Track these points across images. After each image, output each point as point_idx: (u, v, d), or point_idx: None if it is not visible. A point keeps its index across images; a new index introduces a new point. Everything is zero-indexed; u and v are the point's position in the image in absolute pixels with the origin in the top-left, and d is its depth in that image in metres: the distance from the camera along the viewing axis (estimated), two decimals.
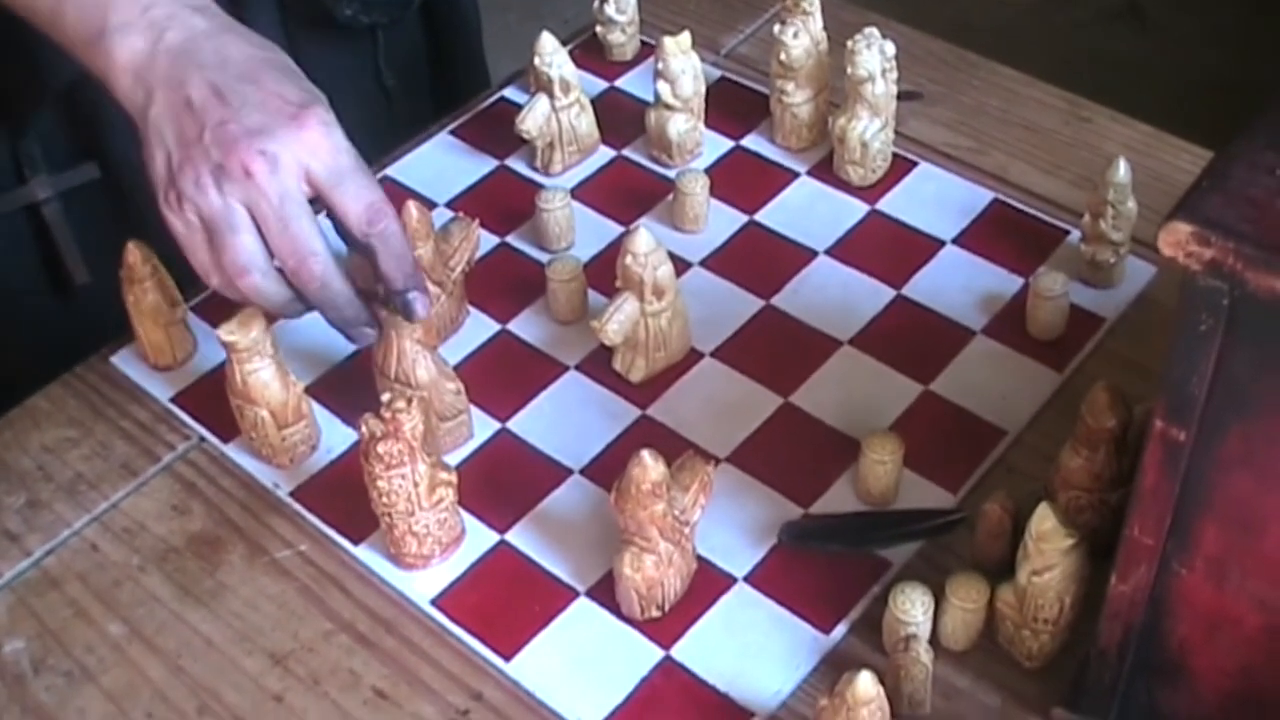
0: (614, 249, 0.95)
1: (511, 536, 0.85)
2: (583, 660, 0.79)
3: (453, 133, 1.12)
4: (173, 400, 0.93)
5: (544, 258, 1.00)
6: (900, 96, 1.03)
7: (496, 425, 0.91)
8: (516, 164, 1.09)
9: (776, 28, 1.03)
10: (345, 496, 0.85)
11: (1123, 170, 0.92)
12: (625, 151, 1.09)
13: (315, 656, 0.80)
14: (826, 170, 1.06)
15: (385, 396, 0.78)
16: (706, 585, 0.81)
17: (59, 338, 0.98)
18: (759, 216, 1.03)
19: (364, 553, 0.84)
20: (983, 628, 0.77)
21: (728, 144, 1.09)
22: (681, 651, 0.79)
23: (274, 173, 0.77)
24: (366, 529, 0.84)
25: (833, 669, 0.76)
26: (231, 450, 0.90)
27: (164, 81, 0.78)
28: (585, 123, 1.07)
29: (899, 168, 1.05)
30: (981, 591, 0.76)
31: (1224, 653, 0.67)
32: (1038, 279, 0.92)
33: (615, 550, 0.78)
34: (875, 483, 0.83)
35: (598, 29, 1.16)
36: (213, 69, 0.78)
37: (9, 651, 0.81)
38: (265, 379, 0.85)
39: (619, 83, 1.15)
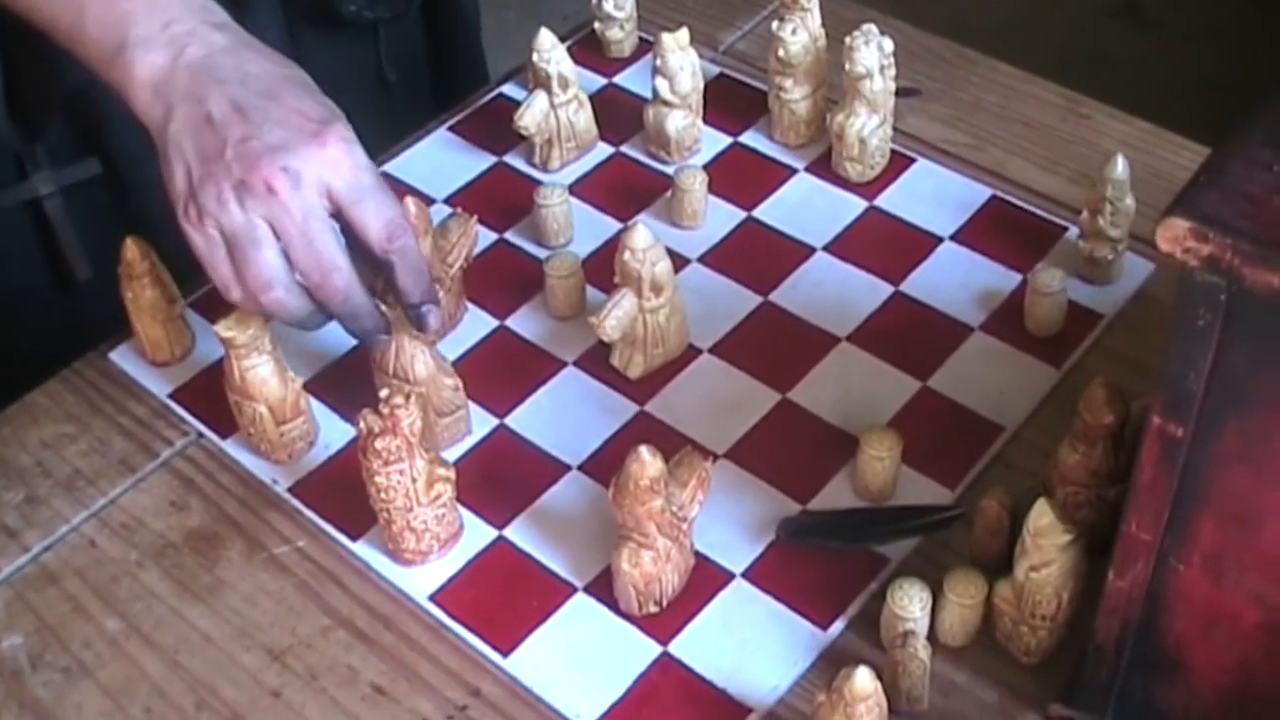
0: (612, 245, 0.95)
1: (509, 532, 0.85)
2: (581, 656, 0.79)
3: (451, 129, 1.12)
4: (171, 396, 0.93)
5: (542, 254, 1.00)
6: (898, 93, 1.03)
7: (494, 421, 0.91)
8: (515, 160, 1.09)
9: (775, 24, 1.03)
10: (343, 492, 0.85)
11: (1121, 167, 0.92)
12: (623, 148, 1.09)
13: (313, 652, 0.80)
14: (824, 166, 1.06)
15: (383, 392, 0.78)
16: (704, 581, 0.81)
17: (61, 333, 0.98)
18: (757, 213, 1.03)
19: (362, 548, 0.84)
20: (980, 624, 0.77)
21: (726, 140, 1.09)
22: (679, 647, 0.79)
23: (296, 189, 0.77)
24: (365, 525, 0.85)
25: (830, 665, 0.76)
26: (230, 446, 0.90)
27: (184, 97, 0.79)
28: (583, 119, 1.07)
29: (897, 164, 1.05)
30: (979, 587, 0.76)
31: (1221, 648, 0.67)
32: (1036, 275, 0.92)
33: (613, 546, 0.78)
34: (873, 479, 0.83)
35: (596, 25, 1.16)
36: (233, 85, 0.79)
37: (7, 647, 0.81)
38: (263, 375, 0.85)
39: (617, 79, 1.15)
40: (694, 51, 1.04)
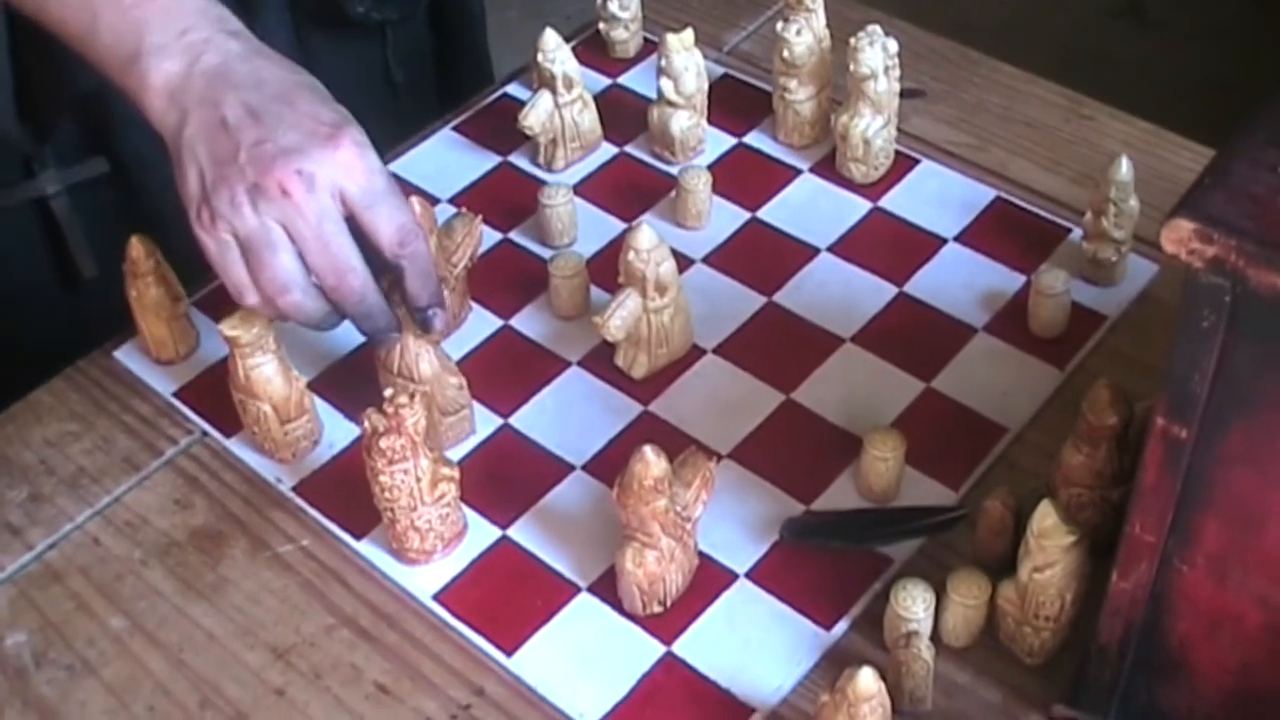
0: (616, 245, 0.95)
1: (513, 532, 0.85)
2: (584, 656, 0.79)
3: (456, 129, 1.12)
4: (175, 395, 0.93)
5: (546, 254, 1.00)
6: (903, 94, 1.03)
7: (499, 421, 0.91)
8: (519, 160, 1.09)
9: (779, 25, 1.03)
10: (347, 491, 0.86)
11: (1125, 168, 0.92)
12: (628, 148, 1.09)
13: (317, 651, 0.80)
14: (829, 167, 1.06)
15: (388, 392, 0.78)
16: (708, 581, 0.81)
17: (66, 331, 0.98)
18: (761, 213, 1.03)
19: (366, 548, 0.84)
20: (984, 624, 0.77)
21: (730, 141, 1.09)
22: (683, 647, 0.79)
23: (310, 192, 0.77)
24: (369, 524, 0.85)
25: (834, 665, 0.77)
26: (234, 445, 0.90)
27: (199, 102, 0.79)
28: (588, 119, 1.07)
29: (901, 165, 1.05)
30: (983, 588, 0.76)
31: (1224, 650, 0.67)
32: (1039, 276, 0.92)
33: (617, 546, 0.79)
34: (877, 479, 0.83)
35: (601, 25, 1.17)
36: (247, 90, 0.79)
37: (11, 645, 0.81)
38: (268, 374, 0.85)
39: (622, 79, 1.15)
40: (699, 52, 1.04)
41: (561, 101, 1.05)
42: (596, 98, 1.08)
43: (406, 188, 1.03)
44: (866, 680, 0.67)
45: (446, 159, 1.09)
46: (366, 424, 0.78)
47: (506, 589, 0.82)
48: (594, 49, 1.17)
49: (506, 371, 0.93)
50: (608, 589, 0.81)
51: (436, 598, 0.82)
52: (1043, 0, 2.78)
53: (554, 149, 1.07)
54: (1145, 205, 0.94)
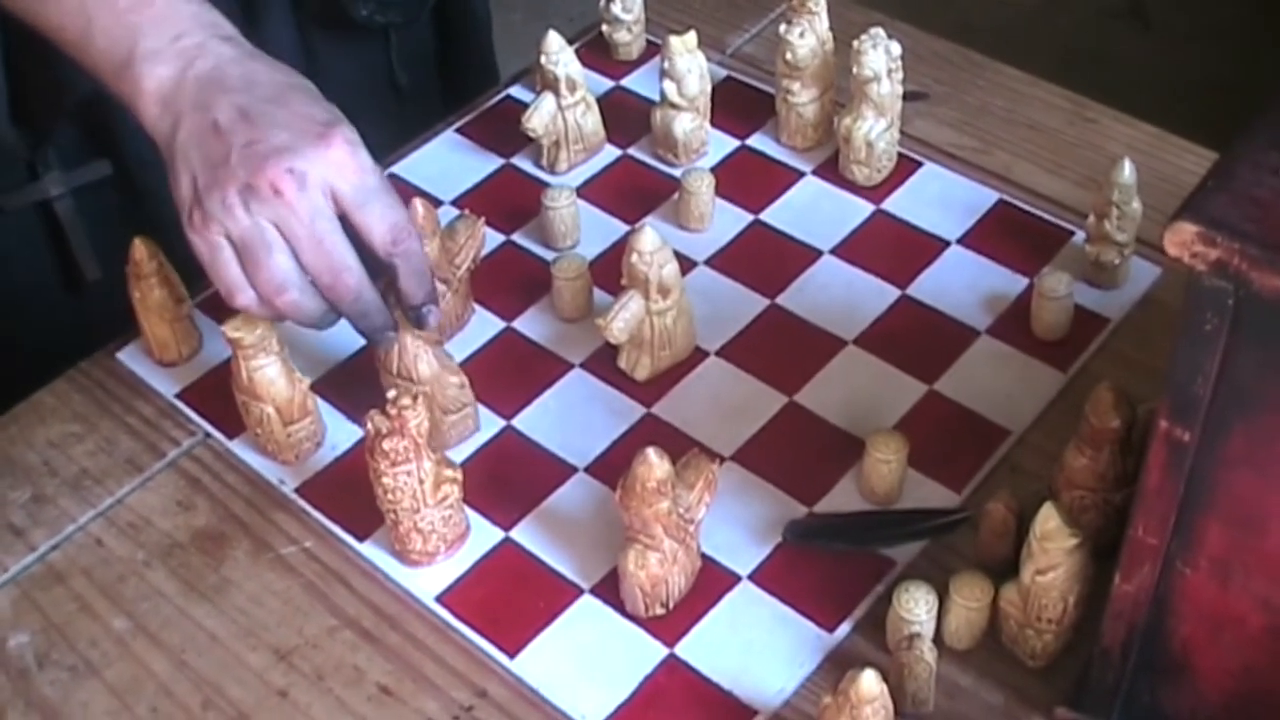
0: (619, 247, 0.95)
1: (516, 534, 0.85)
2: (587, 658, 0.79)
3: (459, 131, 1.12)
4: (178, 396, 0.94)
5: (549, 256, 1.00)
6: (906, 96, 1.03)
7: (501, 423, 0.91)
8: (522, 162, 1.09)
9: (782, 27, 1.03)
10: (350, 493, 0.86)
11: (1128, 171, 0.92)
12: (631, 150, 1.09)
13: (320, 652, 0.80)
14: (831, 170, 1.06)
15: (391, 393, 0.78)
16: (711, 583, 0.81)
17: (69, 333, 0.98)
18: (764, 216, 1.03)
19: (369, 549, 0.84)
20: (986, 627, 0.77)
21: (733, 143, 1.09)
22: (685, 649, 0.79)
23: (303, 190, 0.77)
24: (371, 525, 0.85)
25: (836, 667, 0.77)
26: (237, 446, 0.90)
27: (192, 107, 0.79)
28: (591, 121, 1.07)
29: (904, 168, 1.05)
30: (985, 591, 0.76)
31: (1227, 652, 0.67)
32: (1042, 279, 0.92)
33: (620, 548, 0.79)
34: (879, 482, 0.84)
35: (604, 28, 1.17)
36: (240, 93, 0.79)
37: (14, 646, 0.81)
38: (271, 375, 0.85)
39: (625, 81, 1.15)
40: (701, 54, 1.04)
41: (564, 104, 1.05)
42: (599, 100, 1.08)
43: (410, 190, 1.04)
44: (869, 682, 0.67)
45: (450, 161, 1.09)
46: (369, 426, 0.78)
47: (509, 591, 0.82)
48: (597, 51, 1.17)
49: (509, 373, 0.93)
50: (610, 591, 0.81)
51: (439, 599, 0.82)
52: (1044, 3, 2.78)
53: (557, 151, 1.07)
54: (1148, 208, 0.94)
